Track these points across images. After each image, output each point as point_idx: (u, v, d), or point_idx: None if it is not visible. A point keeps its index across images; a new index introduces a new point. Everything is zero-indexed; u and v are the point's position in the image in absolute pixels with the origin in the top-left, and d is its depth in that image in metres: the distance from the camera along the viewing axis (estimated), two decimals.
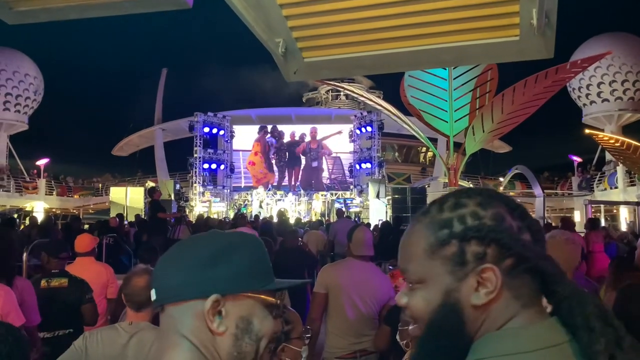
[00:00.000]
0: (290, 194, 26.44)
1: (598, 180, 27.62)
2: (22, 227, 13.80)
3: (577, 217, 23.29)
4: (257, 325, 0.95)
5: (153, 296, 0.95)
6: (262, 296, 0.96)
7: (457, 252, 0.85)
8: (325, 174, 29.46)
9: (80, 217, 20.19)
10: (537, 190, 14.94)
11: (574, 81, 27.12)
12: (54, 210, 30.02)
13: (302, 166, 29.36)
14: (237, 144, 29.83)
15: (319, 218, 21.97)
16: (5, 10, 3.02)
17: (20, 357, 1.50)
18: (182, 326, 0.92)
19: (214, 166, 27.85)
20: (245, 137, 30.03)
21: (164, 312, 0.94)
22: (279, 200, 25.33)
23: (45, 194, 30.86)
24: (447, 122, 13.77)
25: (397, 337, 2.56)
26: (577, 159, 30.54)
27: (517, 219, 0.87)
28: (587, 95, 29.09)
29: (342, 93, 44.80)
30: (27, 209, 25.95)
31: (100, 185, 35.68)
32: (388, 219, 16.33)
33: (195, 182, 26.87)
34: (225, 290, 0.91)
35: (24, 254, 6.16)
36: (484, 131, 13.10)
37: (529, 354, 0.79)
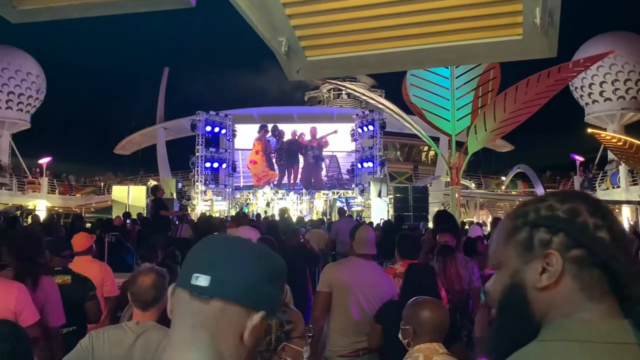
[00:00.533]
0: (292, 193, 26.43)
1: (600, 180, 27.58)
2: (24, 225, 13.79)
3: None
4: (261, 340, 0.99)
5: (204, 283, 0.90)
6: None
7: (526, 237, 0.93)
8: (323, 172, 29.44)
9: (83, 215, 20.18)
10: (539, 189, 14.93)
11: (576, 80, 27.08)
12: (56, 208, 30.06)
13: (302, 164, 29.32)
14: (239, 142, 29.82)
15: (321, 217, 21.95)
16: (8, 9, 3.03)
17: (22, 355, 1.50)
18: (216, 326, 0.91)
19: (215, 165, 27.84)
20: (247, 136, 30.02)
21: (206, 303, 0.91)
22: (281, 199, 25.31)
23: (48, 193, 30.92)
24: (449, 121, 13.74)
25: (400, 335, 2.56)
26: (579, 158, 30.48)
27: (597, 217, 0.90)
28: (589, 94, 29.04)
29: (344, 92, 44.77)
30: (29, 208, 25.99)
31: (102, 184, 35.72)
32: (390, 218, 16.31)
33: (197, 181, 26.86)
34: (270, 310, 0.95)
35: None
36: (486, 130, 13.08)
37: (599, 345, 0.81)
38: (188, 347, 0.90)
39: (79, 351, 2.45)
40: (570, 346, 0.83)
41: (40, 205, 28.37)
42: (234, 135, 29.21)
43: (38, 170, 31.80)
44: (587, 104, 29.59)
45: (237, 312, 0.91)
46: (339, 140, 29.27)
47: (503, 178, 33.13)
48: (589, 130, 20.26)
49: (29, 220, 15.55)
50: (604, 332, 0.83)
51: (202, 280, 0.91)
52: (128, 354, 2.35)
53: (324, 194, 27.06)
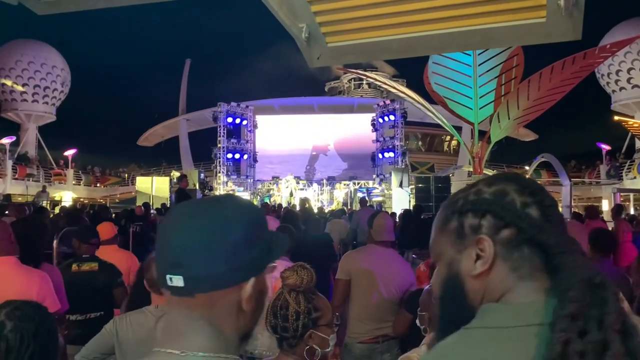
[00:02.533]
0: (314, 184, 26.48)
1: (627, 169, 26.99)
2: (51, 215, 14.10)
3: (605, 205, 22.80)
4: (265, 295, 0.95)
5: (179, 283, 0.87)
6: (271, 265, 0.96)
7: (457, 225, 0.92)
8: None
9: (108, 206, 20.51)
10: (564, 178, 14.68)
11: (602, 67, 26.47)
12: (81, 199, 30.61)
13: None
14: (260, 133, 29.94)
15: (341, 207, 21.96)
16: (34, 1, 3.08)
17: (46, 335, 1.54)
18: (214, 312, 0.89)
19: (237, 156, 28.04)
20: (267, 126, 30.12)
21: (193, 298, 0.88)
22: (302, 189, 25.38)
23: (73, 184, 31.48)
24: (471, 109, 13.58)
25: (417, 321, 2.57)
26: (605, 147, 29.83)
27: (526, 195, 0.88)
28: (616, 81, 28.35)
29: (364, 82, 44.54)
30: (55, 199, 26.52)
31: (126, 175, 36.23)
32: (409, 208, 16.22)
33: (219, 172, 27.09)
34: (260, 271, 0.91)
35: (54, 241, 6.30)
36: (509, 118, 12.89)
37: (500, 330, 0.80)
38: (190, 332, 0.88)
39: (103, 335, 2.56)
40: (480, 333, 0.82)
41: (66, 196, 28.91)
42: (255, 127, 29.32)
43: (63, 162, 32.37)
44: (613, 91, 28.90)
45: (225, 294, 0.88)
46: (360, 130, 29.19)
47: (527, 168, 32.63)
48: (616, 118, 19.82)
49: (56, 210, 15.89)
50: (515, 315, 0.81)
51: (176, 281, 0.87)
52: (150, 336, 2.42)
53: (344, 184, 27.07)
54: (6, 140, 27.44)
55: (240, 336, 0.93)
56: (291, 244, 3.88)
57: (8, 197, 18.27)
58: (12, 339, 1.45)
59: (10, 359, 1.43)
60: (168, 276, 0.88)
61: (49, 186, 28.95)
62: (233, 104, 28.10)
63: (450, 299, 0.92)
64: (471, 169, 15.83)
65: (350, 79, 46.00)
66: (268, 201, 22.95)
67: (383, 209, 19.25)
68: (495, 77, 13.23)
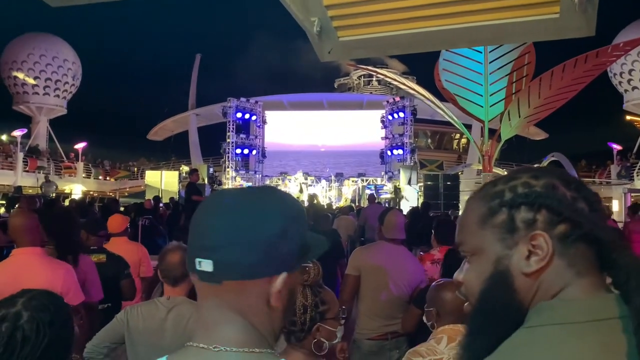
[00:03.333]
0: (322, 180, 26.50)
1: (639, 169, 26.76)
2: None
3: (616, 206, 22.65)
4: (296, 293, 0.95)
5: (208, 268, 0.85)
6: (302, 266, 0.96)
7: (506, 219, 0.86)
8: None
9: (117, 199, 20.65)
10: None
11: (615, 66, 26.21)
12: (91, 192, 30.82)
13: None
14: (268, 129, 29.99)
15: (349, 204, 21.96)
16: None
17: (61, 325, 1.55)
18: (242, 303, 0.87)
19: (246, 151, 28.11)
20: (276, 122, 30.15)
21: (220, 286, 0.86)
22: (310, 185, 25.40)
23: (83, 177, 31.70)
24: (482, 106, 13.49)
25: (424, 318, 2.57)
26: (616, 147, 29.58)
27: (573, 190, 0.86)
28: (629, 80, 28.07)
29: (374, 79, 44.42)
30: (65, 192, 26.73)
31: (135, 169, 36.43)
32: (419, 206, 16.19)
33: (228, 167, 27.17)
34: (292, 268, 0.89)
35: None
36: (520, 116, 12.81)
37: (577, 325, 0.77)
38: (221, 324, 0.87)
39: (114, 324, 2.59)
40: (555, 330, 0.78)
41: (76, 189, 29.12)
42: (264, 122, 29.36)
43: (74, 155, 32.59)
44: (625, 90, 28.61)
45: (254, 285, 0.87)
46: (369, 127, 29.16)
47: (537, 166, 32.40)
48: (628, 117, 19.63)
49: (67, 203, 16.01)
50: (587, 310, 0.79)
51: (205, 266, 0.86)
52: (161, 327, 2.45)
53: (353, 181, 27.05)
54: (17, 133, 27.68)
55: (274, 333, 0.92)
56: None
57: (19, 189, 18.41)
58: (29, 329, 1.46)
59: (27, 349, 1.44)
60: (197, 259, 0.86)
61: (59, 179, 29.20)
62: (242, 99, 28.16)
63: (495, 298, 0.86)
64: (480, 167, 15.75)
65: (360, 76, 45.89)
66: None
67: (397, 206, 19.21)
68: (507, 75, 13.14)
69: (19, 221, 3.03)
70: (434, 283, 2.66)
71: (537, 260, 0.83)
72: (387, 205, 19.35)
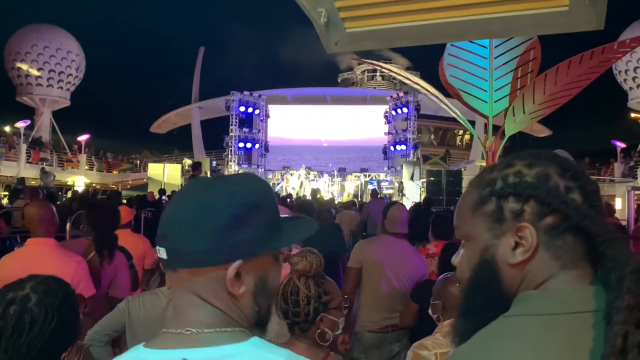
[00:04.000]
0: (324, 175, 26.49)
1: None
2: (63, 199, 14.26)
3: (619, 204, 22.60)
4: (271, 281, 0.94)
5: (163, 255, 0.89)
6: (275, 253, 0.94)
7: (495, 209, 0.86)
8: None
9: (120, 191, 20.69)
10: None
11: (620, 63, 26.13)
12: (94, 185, 30.89)
13: None
14: (271, 123, 29.98)
15: (352, 199, 21.96)
16: None
17: (68, 311, 1.56)
18: (201, 289, 0.89)
19: (249, 145, 28.11)
20: (279, 116, 30.12)
21: (176, 273, 0.89)
22: (313, 180, 25.40)
23: (86, 169, 31.78)
24: (486, 102, 13.43)
25: (430, 310, 2.57)
26: (620, 145, 29.50)
27: (569, 179, 0.84)
28: (633, 78, 28.00)
29: (378, 74, 44.34)
30: (68, 184, 26.79)
31: (138, 161, 36.49)
32: (421, 202, 16.18)
33: (231, 161, 27.19)
34: (249, 254, 0.89)
35: (67, 225, 6.37)
36: (524, 112, 12.73)
37: (557, 316, 0.77)
38: (189, 309, 0.89)
39: (116, 313, 2.61)
40: (530, 321, 0.78)
41: (79, 181, 29.20)
42: (267, 116, 29.35)
43: (77, 147, 32.65)
44: (630, 88, 28.53)
45: (208, 272, 0.88)
46: (372, 122, 29.13)
47: (538, 152, 32.28)
48: (632, 115, 19.56)
49: (69, 195, 16.04)
50: (563, 302, 0.78)
51: (162, 253, 0.89)
52: (162, 317, 2.46)
53: (355, 176, 27.04)
54: (21, 124, 27.73)
55: (246, 318, 0.92)
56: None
57: (22, 180, 18.46)
58: (37, 312, 1.47)
59: (34, 331, 1.45)
60: (157, 247, 0.90)
61: (62, 171, 29.27)
62: (246, 93, 28.14)
63: (481, 285, 0.88)
64: (484, 164, 15.71)
65: (364, 71, 45.81)
66: (284, 191, 22.98)
67: (399, 201, 19.15)
68: (512, 71, 13.06)
69: (35, 211, 3.04)
70: (440, 276, 2.66)
71: (522, 252, 0.84)
72: (389, 200, 19.37)
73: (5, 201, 14.01)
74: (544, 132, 34.29)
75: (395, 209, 4.02)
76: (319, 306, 1.95)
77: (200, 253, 0.86)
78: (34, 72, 30.32)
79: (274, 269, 0.95)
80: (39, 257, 2.88)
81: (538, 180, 0.84)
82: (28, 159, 27.41)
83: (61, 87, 31.35)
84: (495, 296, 0.85)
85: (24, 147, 27.27)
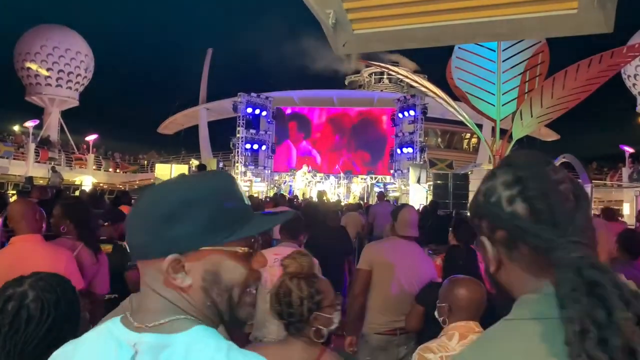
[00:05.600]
0: (330, 177, 26.50)
1: None
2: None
3: (627, 209, 22.44)
4: (225, 276, 0.95)
5: (127, 249, 0.98)
6: (228, 249, 0.94)
7: (476, 224, 0.95)
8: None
9: (127, 191, 20.76)
10: (585, 180, 14.47)
11: (629, 67, 26.00)
12: (101, 184, 31.02)
13: None
14: (278, 125, 30.05)
15: (358, 201, 21.93)
16: None
17: (67, 306, 1.57)
18: (151, 281, 0.94)
19: (255, 147, 28.16)
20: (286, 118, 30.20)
21: (138, 264, 0.97)
22: (319, 182, 25.40)
23: (93, 169, 31.93)
24: (494, 105, 13.41)
25: (436, 313, 2.56)
26: (628, 150, 29.30)
27: (512, 188, 0.87)
28: None
29: (385, 76, 44.31)
30: (76, 183, 26.91)
31: (145, 162, 36.63)
32: (427, 205, 16.12)
33: (238, 162, 27.24)
34: (184, 249, 0.91)
35: None
36: (532, 116, 12.70)
37: (525, 322, 0.81)
38: (145, 297, 0.95)
39: (118, 311, 2.60)
40: (510, 325, 0.83)
41: (86, 181, 29.32)
42: (274, 118, 29.40)
43: (85, 147, 32.82)
44: (639, 93, 28.36)
45: (147, 265, 0.94)
46: (379, 125, 29.13)
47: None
48: None
49: (77, 194, 16.10)
50: (529, 309, 0.82)
51: (126, 247, 0.98)
52: None
53: (362, 178, 27.02)
54: (30, 124, 27.91)
55: (199, 311, 0.94)
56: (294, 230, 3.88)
57: (30, 179, 18.55)
58: (34, 308, 1.48)
59: (31, 327, 1.46)
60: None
61: (70, 170, 29.42)
62: (253, 94, 28.19)
63: (495, 288, 0.96)
64: (491, 167, 15.65)
65: (371, 74, 45.78)
66: (294, 193, 22.99)
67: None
68: (520, 74, 13.03)
69: (17, 209, 3.03)
70: (448, 278, 2.65)
71: (491, 261, 0.91)
72: (395, 203, 19.32)
73: (13, 199, 14.07)
74: (551, 136, 34.12)
75: (406, 211, 3.98)
76: (312, 306, 1.99)
77: (139, 246, 0.94)
78: (44, 72, 30.53)
79: (229, 264, 0.95)
80: (28, 253, 2.86)
81: (485, 199, 0.91)
82: (36, 159, 27.57)
83: (70, 87, 31.56)
84: (506, 297, 0.92)
85: (32, 146, 27.45)
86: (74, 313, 1.60)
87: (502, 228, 0.87)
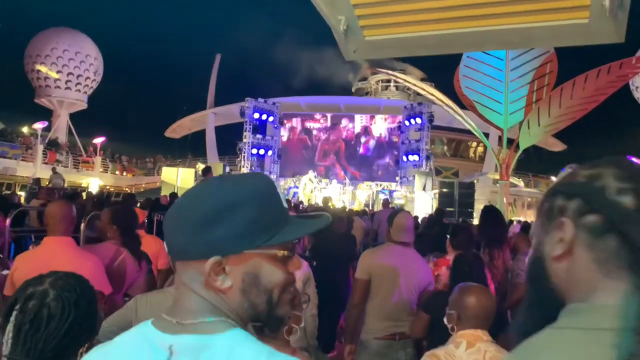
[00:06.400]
0: (335, 182, 26.49)
1: None
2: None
3: None
4: (265, 279, 0.96)
5: (166, 247, 0.98)
6: (268, 252, 0.95)
7: (548, 206, 0.89)
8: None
9: (134, 194, 20.83)
10: None
11: (637, 79, 25.92)
12: (107, 187, 31.14)
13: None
14: (285, 130, 30.12)
15: (363, 208, 21.92)
16: None
17: (86, 306, 1.58)
18: (190, 281, 0.94)
19: (262, 152, 28.23)
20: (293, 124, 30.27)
21: (175, 265, 0.97)
22: (324, 188, 25.39)
23: (100, 172, 32.08)
24: (501, 114, 13.39)
25: (445, 320, 2.56)
26: (637, 161, 29.14)
27: (624, 181, 0.81)
28: None
29: (392, 84, 44.34)
30: (82, 185, 27.04)
31: (152, 165, 36.75)
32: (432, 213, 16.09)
33: (244, 167, 27.29)
34: (226, 251, 0.92)
35: (82, 225, 6.43)
36: (539, 125, 12.68)
37: (606, 332, 0.75)
38: (183, 297, 0.95)
39: (124, 311, 2.64)
40: (576, 335, 0.77)
41: (93, 183, 29.45)
42: (281, 123, 29.48)
43: (92, 149, 32.99)
44: None
45: (191, 265, 0.94)
46: (385, 132, 29.15)
47: (553, 178, 32.09)
48: None
49: (83, 196, 16.17)
50: (610, 318, 0.75)
51: (166, 248, 0.98)
52: None
53: (367, 185, 27.00)
54: (38, 125, 28.10)
55: (243, 315, 0.95)
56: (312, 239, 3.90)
57: (38, 180, 18.64)
58: (54, 307, 1.50)
59: (51, 326, 1.47)
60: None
61: (77, 172, 29.56)
62: (260, 99, 28.28)
63: (534, 280, 0.91)
64: (497, 176, 15.64)
65: (378, 81, 45.82)
66: (300, 197, 23.00)
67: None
68: (528, 83, 13.02)
69: (58, 210, 3.08)
70: (458, 285, 2.64)
71: (561, 245, 0.83)
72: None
73: (22, 200, 14.15)
74: (558, 146, 34.02)
75: (401, 216, 3.95)
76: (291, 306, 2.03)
77: (180, 247, 0.94)
78: (53, 74, 30.76)
79: (269, 267, 0.95)
80: (57, 256, 2.89)
81: (587, 180, 0.84)
82: (44, 160, 27.73)
83: (79, 90, 31.78)
84: (546, 291, 0.87)
85: (40, 148, 27.62)
86: (93, 312, 1.61)
87: (598, 212, 0.80)
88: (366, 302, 3.83)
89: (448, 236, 4.65)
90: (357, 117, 30.35)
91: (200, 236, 0.92)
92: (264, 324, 1.01)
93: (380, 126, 29.84)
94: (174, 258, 0.97)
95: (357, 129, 30.12)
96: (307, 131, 30.75)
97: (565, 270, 0.84)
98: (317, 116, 30.66)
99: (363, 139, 29.95)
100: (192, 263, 0.93)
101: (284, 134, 30.40)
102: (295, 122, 30.77)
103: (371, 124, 30.00)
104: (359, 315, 3.83)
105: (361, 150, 29.89)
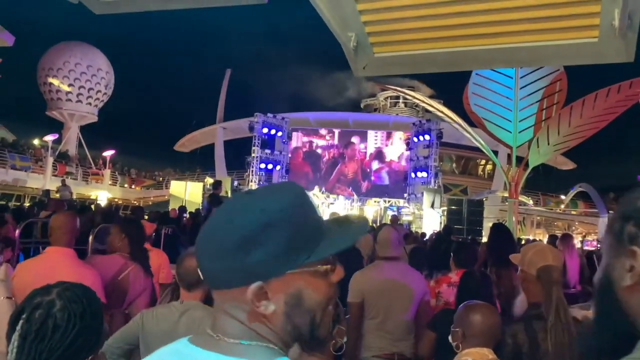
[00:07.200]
0: (342, 198, 26.47)
1: None
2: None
3: None
4: (308, 298, 0.89)
5: (200, 275, 0.91)
6: (310, 269, 0.89)
7: (618, 229, 0.86)
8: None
9: (142, 207, 20.92)
10: (602, 210, 14.30)
11: None
12: (116, 200, 31.30)
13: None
14: (293, 146, 30.25)
15: (371, 225, 21.84)
16: (93, 0, 3.21)
17: (92, 317, 1.58)
18: (230, 308, 0.89)
19: (270, 166, 28.31)
20: (302, 139, 30.39)
21: (214, 293, 0.91)
22: (332, 203, 25.36)
23: (109, 184, 32.27)
24: (510, 132, 13.39)
25: (450, 338, 2.54)
26: None
27: None
28: None
29: (400, 100, 44.49)
30: (91, 198, 27.19)
31: (160, 178, 36.94)
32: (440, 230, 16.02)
33: (252, 181, 27.36)
34: (267, 276, 0.86)
35: (90, 237, 6.45)
36: (548, 144, 12.66)
37: None
38: (223, 323, 0.89)
39: (130, 326, 2.65)
40: None
41: (102, 195, 29.61)
42: (289, 138, 29.61)
43: (102, 162, 33.24)
44: None
45: (230, 294, 0.87)
46: (394, 148, 29.17)
47: (562, 197, 31.94)
48: None
49: (92, 209, 16.25)
50: None
51: (199, 272, 0.91)
52: (174, 329, 2.50)
53: (375, 201, 26.95)
54: (49, 138, 28.38)
55: (279, 338, 0.90)
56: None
57: (47, 192, 18.81)
58: (60, 317, 1.50)
59: (57, 336, 1.48)
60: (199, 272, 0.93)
61: (86, 185, 29.74)
62: (269, 115, 28.45)
63: (602, 302, 0.89)
64: (506, 194, 15.58)
65: (387, 97, 46.00)
66: None
67: (410, 229, 19.02)
68: (537, 101, 13.02)
69: (62, 221, 3.11)
70: (463, 304, 2.62)
71: (630, 276, 0.81)
72: (407, 227, 19.20)
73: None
74: (567, 165, 33.86)
75: (385, 231, 3.85)
76: (335, 320, 1.99)
77: (218, 275, 0.87)
78: (65, 87, 31.15)
79: (311, 285, 0.90)
80: (57, 266, 2.92)
81: None
82: (54, 172, 27.95)
83: (90, 103, 32.16)
84: (614, 314, 0.85)
85: (50, 160, 27.86)
86: (98, 325, 1.61)
87: None
88: (364, 321, 3.77)
89: (452, 254, 4.62)
90: (371, 135, 30.18)
91: (237, 261, 0.84)
92: (307, 344, 0.95)
93: (397, 148, 29.40)
94: (213, 286, 0.90)
95: (371, 149, 29.91)
96: (312, 149, 30.83)
97: (635, 299, 0.83)
98: (323, 132, 30.65)
99: (375, 165, 29.70)
100: (231, 292, 0.87)
101: (294, 144, 30.47)
102: (300, 138, 30.86)
103: (387, 145, 29.78)
104: (358, 337, 3.75)
105: (373, 178, 29.79)
